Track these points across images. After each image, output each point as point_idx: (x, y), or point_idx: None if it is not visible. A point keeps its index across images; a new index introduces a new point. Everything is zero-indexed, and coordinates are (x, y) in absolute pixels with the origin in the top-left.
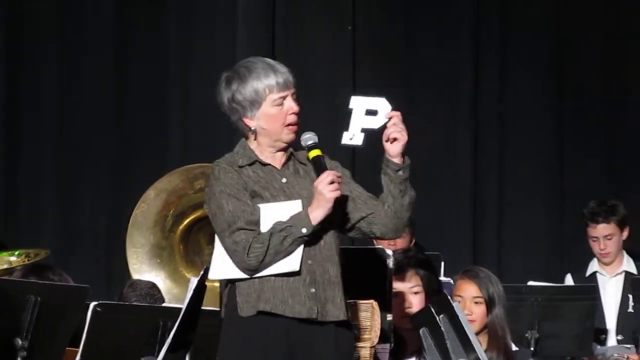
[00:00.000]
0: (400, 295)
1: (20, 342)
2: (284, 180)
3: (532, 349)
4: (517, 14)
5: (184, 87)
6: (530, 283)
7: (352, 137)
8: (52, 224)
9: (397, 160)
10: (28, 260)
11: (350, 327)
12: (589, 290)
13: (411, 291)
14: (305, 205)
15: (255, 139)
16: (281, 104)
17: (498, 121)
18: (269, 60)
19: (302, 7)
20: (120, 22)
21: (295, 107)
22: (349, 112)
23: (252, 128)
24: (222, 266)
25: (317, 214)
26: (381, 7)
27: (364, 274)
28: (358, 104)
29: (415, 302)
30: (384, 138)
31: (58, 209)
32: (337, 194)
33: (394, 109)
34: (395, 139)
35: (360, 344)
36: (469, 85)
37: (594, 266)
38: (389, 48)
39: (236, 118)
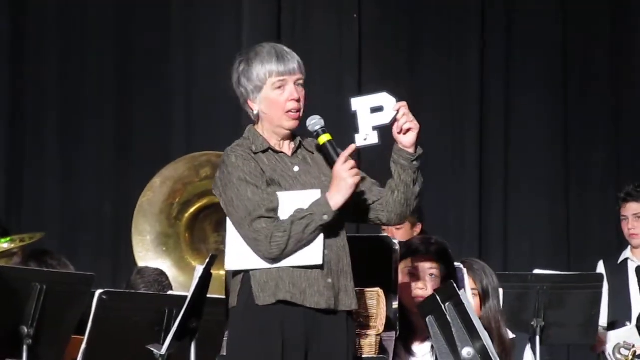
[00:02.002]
0: (416, 276)
1: (25, 330)
2: (295, 168)
3: (537, 336)
4: (523, 0)
5: (189, 75)
6: (536, 271)
7: (366, 137)
8: (55, 212)
9: (411, 150)
10: (21, 242)
11: (354, 316)
12: (595, 278)
13: (429, 272)
14: (323, 194)
15: (261, 125)
16: (281, 88)
17: (503, 110)
18: (279, 46)
19: None
20: (124, 9)
21: (295, 94)
22: (352, 115)
23: (255, 112)
24: (240, 256)
25: (337, 200)
26: None
27: (370, 262)
28: (360, 104)
29: (430, 285)
30: (397, 130)
31: (63, 198)
32: (358, 178)
33: (398, 99)
34: (409, 129)
35: (366, 332)
36: (475, 73)
37: (626, 253)
38: (395, 36)
39: (242, 101)
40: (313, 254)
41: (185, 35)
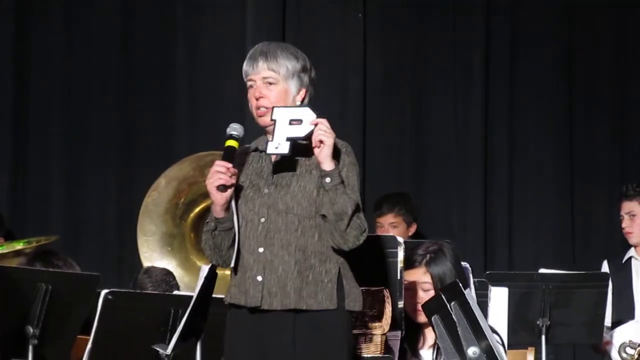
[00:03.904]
0: (412, 289)
1: (31, 330)
2: (271, 167)
3: (543, 335)
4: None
5: (192, 74)
6: (542, 270)
7: (278, 146)
8: (61, 212)
9: (326, 166)
10: (37, 244)
11: (333, 316)
12: (600, 277)
13: (421, 287)
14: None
15: None
16: (252, 88)
17: (508, 108)
18: (265, 44)
19: None
20: (128, 8)
21: (257, 93)
22: (275, 122)
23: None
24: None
25: (213, 207)
26: None
27: (375, 261)
28: (281, 114)
29: (424, 298)
30: (313, 144)
31: (67, 198)
32: (216, 183)
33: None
34: (321, 142)
35: (371, 332)
36: (480, 69)
37: (630, 252)
38: (400, 35)
39: None
40: (230, 255)
41: (189, 34)
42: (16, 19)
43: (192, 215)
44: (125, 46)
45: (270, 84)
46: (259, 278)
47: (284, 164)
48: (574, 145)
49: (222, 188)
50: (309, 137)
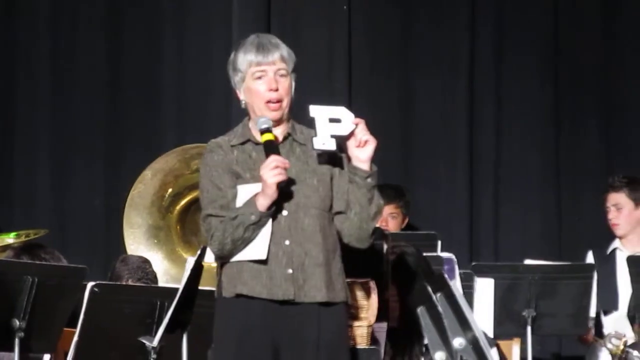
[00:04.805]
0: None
1: (17, 322)
2: None
3: (529, 326)
4: None
5: (179, 68)
6: (527, 261)
7: (324, 142)
8: (47, 205)
9: (365, 166)
10: (26, 238)
11: (343, 309)
12: (586, 268)
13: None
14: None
15: (250, 115)
16: (261, 79)
17: (494, 101)
18: (265, 36)
19: None
20: (114, 4)
21: (273, 84)
22: (310, 120)
23: (242, 102)
24: None
25: (262, 200)
26: None
27: (361, 253)
28: (319, 112)
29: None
30: (354, 143)
31: (52, 191)
32: (277, 179)
33: (359, 117)
34: (366, 142)
35: (357, 323)
36: (466, 65)
37: (615, 243)
38: (386, 29)
39: (235, 90)
40: (258, 248)
41: (176, 28)
42: (1, 12)
43: (178, 207)
44: (112, 42)
45: (282, 75)
46: (290, 271)
47: (289, 157)
48: (561, 138)
49: (281, 184)
50: (350, 136)
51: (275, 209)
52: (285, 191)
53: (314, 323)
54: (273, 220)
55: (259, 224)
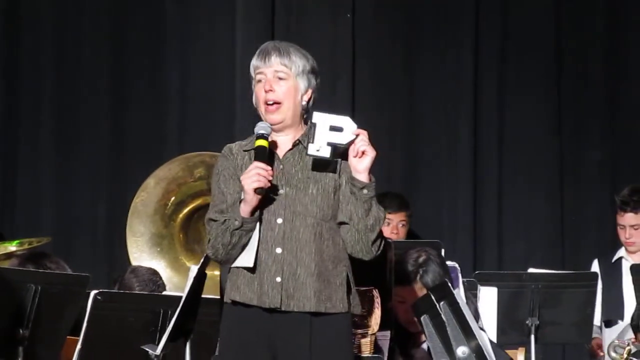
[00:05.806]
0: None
1: (21, 331)
2: (281, 167)
3: (532, 335)
4: None
5: (182, 76)
6: (531, 270)
7: (319, 149)
8: (50, 213)
9: (363, 177)
10: (29, 246)
11: (343, 318)
12: (590, 277)
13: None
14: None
15: None
16: (261, 82)
17: (497, 109)
18: (277, 43)
19: None
20: (118, 7)
21: (267, 85)
22: (311, 126)
23: (254, 104)
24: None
25: (243, 206)
26: None
27: (364, 261)
28: (321, 119)
29: None
30: (352, 153)
31: (57, 199)
32: (255, 185)
33: (363, 127)
34: (364, 153)
35: (360, 332)
36: (470, 72)
37: (621, 252)
38: (389, 35)
39: None
40: (245, 256)
41: (179, 35)
42: (6, 20)
43: (181, 215)
44: (116, 50)
45: (281, 78)
46: (278, 279)
47: (295, 165)
48: (564, 145)
49: (260, 190)
50: (349, 145)
51: (270, 216)
52: (283, 199)
53: (306, 330)
54: (267, 228)
55: (243, 229)
